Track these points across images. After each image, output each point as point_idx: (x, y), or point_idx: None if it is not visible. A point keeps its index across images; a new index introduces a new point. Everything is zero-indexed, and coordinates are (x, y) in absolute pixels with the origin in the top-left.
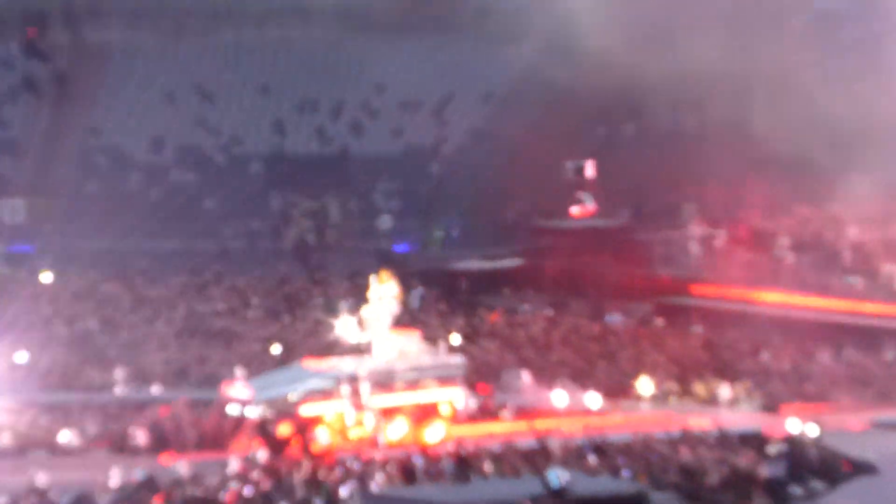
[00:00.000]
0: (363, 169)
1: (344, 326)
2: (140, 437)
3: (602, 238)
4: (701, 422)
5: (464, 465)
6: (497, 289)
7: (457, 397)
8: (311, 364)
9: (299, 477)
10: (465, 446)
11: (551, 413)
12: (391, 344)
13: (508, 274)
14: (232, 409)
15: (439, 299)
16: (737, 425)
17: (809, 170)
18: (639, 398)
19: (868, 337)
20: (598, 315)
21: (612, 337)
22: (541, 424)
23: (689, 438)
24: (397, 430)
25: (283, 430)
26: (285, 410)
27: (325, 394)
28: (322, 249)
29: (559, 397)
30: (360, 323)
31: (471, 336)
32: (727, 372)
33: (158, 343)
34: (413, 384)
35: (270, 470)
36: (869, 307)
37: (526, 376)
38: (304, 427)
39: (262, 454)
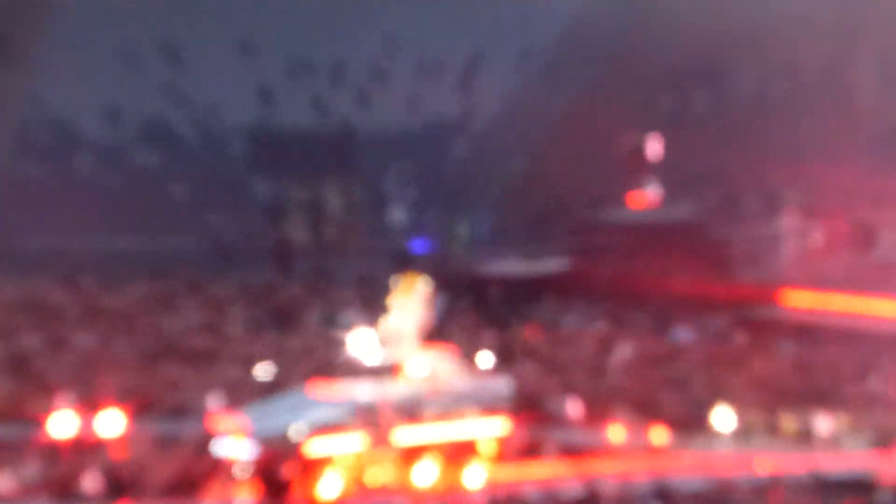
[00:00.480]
0: (370, 149)
1: (358, 343)
2: (91, 481)
3: (668, 234)
4: (793, 463)
5: None
6: (537, 298)
7: (502, 431)
8: (317, 390)
9: None
10: (497, 496)
11: (606, 452)
12: (419, 365)
13: (551, 280)
14: (221, 447)
15: (465, 310)
16: (838, 468)
17: None
18: (715, 434)
19: None
20: (664, 330)
21: (681, 357)
22: (592, 467)
23: (778, 484)
24: (426, 474)
25: (285, 472)
26: (286, 448)
27: (336, 427)
28: (319, 249)
29: (616, 432)
30: (380, 339)
31: (504, 356)
32: (826, 401)
33: (116, 365)
34: (447, 415)
35: None
36: None
37: (574, 406)
38: (310, 469)
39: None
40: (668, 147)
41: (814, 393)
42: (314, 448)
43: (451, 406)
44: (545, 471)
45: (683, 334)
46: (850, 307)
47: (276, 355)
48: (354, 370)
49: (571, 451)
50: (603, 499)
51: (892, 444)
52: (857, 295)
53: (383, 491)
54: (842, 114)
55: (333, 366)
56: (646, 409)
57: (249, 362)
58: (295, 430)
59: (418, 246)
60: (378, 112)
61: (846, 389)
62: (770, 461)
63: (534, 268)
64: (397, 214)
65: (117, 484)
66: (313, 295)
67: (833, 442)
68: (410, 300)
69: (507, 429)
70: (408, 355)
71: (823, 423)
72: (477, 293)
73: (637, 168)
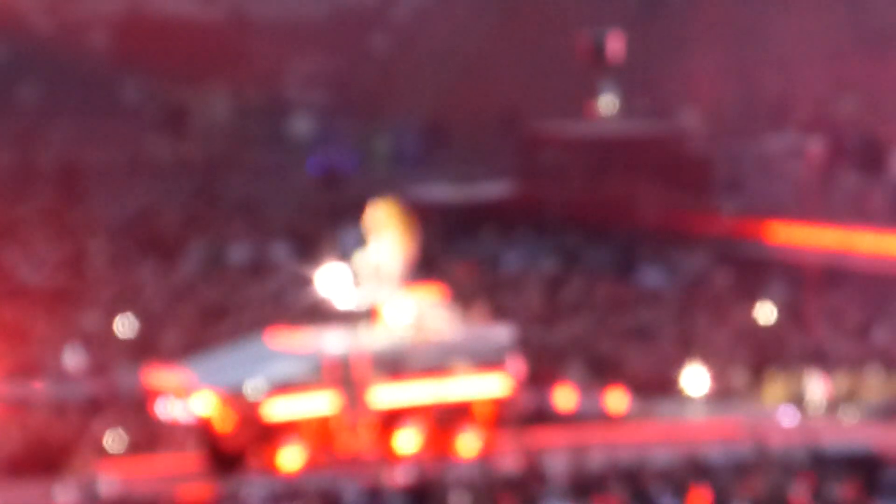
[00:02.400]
0: (267, 40)
1: (327, 283)
2: None
3: (635, 152)
4: (780, 434)
5: (421, 499)
6: (472, 229)
7: (501, 390)
8: (278, 339)
9: None
10: (424, 472)
11: (553, 419)
12: (401, 309)
13: (489, 207)
14: (165, 409)
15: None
16: (835, 440)
17: None
18: (686, 397)
19: None
20: (628, 270)
21: (647, 304)
22: (535, 437)
23: (761, 459)
24: (409, 441)
25: (236, 439)
26: (239, 409)
27: (301, 385)
28: (202, 166)
29: (564, 396)
30: (354, 277)
31: None
32: (821, 358)
33: None
34: (436, 370)
35: None
36: None
37: (516, 364)
38: (268, 435)
39: (107, 481)
40: (635, 46)
41: (806, 349)
42: (273, 410)
43: (440, 360)
44: (477, 443)
45: (651, 275)
46: (854, 244)
47: (148, 299)
48: (322, 315)
49: (511, 419)
50: (546, 477)
51: None
52: (862, 229)
53: (357, 462)
54: (852, 4)
55: (222, 312)
56: (603, 368)
57: (116, 307)
58: (250, 388)
59: (324, 163)
60: None
61: (847, 346)
62: (752, 431)
63: (470, 192)
64: (300, 124)
65: None
66: (195, 224)
67: (830, 410)
68: (389, 231)
69: (506, 387)
70: (387, 297)
71: (819, 387)
72: None
73: (596, 70)
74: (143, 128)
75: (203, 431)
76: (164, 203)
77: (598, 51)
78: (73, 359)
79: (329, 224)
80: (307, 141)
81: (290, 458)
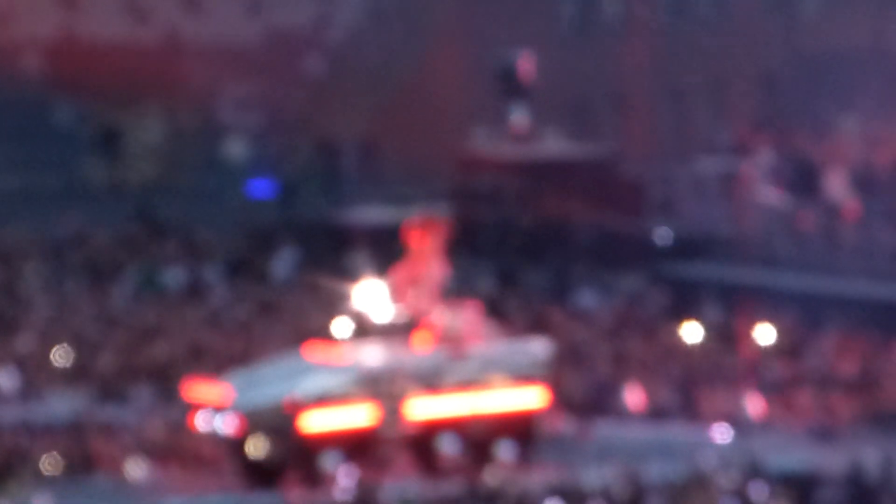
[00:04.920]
0: (201, 63)
1: (365, 297)
2: None
3: (569, 174)
4: (718, 453)
5: None
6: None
7: (538, 403)
8: (316, 353)
9: None
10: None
11: None
12: (439, 323)
13: None
14: (203, 422)
15: (317, 267)
16: (772, 459)
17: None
18: (625, 416)
19: None
20: (562, 292)
21: (582, 326)
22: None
23: (699, 478)
24: (447, 452)
25: (274, 452)
26: (277, 423)
27: (339, 398)
28: (137, 190)
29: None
30: (391, 291)
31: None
32: (757, 377)
33: None
34: (472, 384)
35: None
36: None
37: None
38: (307, 448)
39: None
40: (568, 68)
41: (743, 368)
42: (311, 423)
43: (477, 373)
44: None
45: (585, 297)
46: (795, 265)
47: (81, 323)
48: (360, 329)
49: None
50: (496, 496)
51: (835, 430)
52: (802, 250)
53: (395, 474)
54: (784, 24)
55: (157, 335)
56: None
57: (50, 332)
58: (288, 401)
59: (260, 187)
60: (209, 20)
61: (784, 364)
62: (689, 450)
63: (405, 215)
64: (234, 145)
65: None
66: (130, 248)
67: (766, 428)
68: (427, 246)
69: (543, 401)
70: (425, 312)
71: (754, 405)
72: (331, 246)
73: (510, 93)
74: (76, 151)
75: (240, 445)
76: (98, 227)
77: (509, 72)
78: (5, 382)
79: (264, 246)
80: (241, 163)
81: (329, 469)
